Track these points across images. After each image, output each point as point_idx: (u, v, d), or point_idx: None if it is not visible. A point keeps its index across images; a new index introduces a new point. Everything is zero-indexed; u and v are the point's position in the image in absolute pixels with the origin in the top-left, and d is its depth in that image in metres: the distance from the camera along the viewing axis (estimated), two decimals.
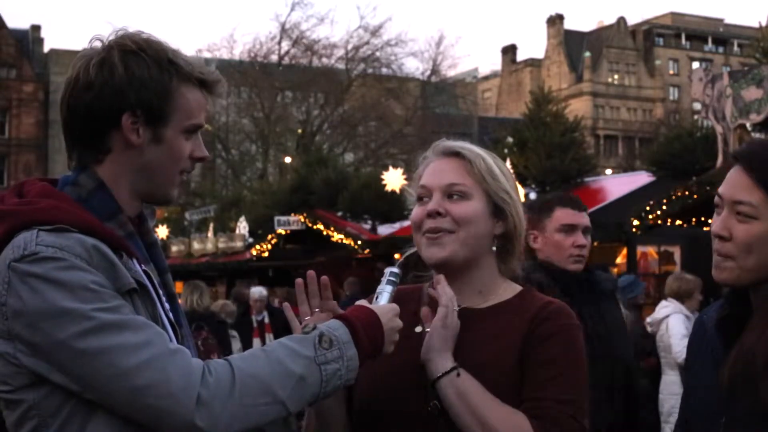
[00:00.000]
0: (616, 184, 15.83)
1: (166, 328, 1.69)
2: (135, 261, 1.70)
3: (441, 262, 1.97)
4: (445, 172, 2.00)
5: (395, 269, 1.93)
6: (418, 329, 1.98)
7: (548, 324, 1.91)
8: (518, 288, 2.04)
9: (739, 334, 1.76)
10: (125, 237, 1.71)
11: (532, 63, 72.35)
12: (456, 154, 2.01)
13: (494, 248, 2.02)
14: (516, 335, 1.91)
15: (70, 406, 1.57)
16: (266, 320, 11.45)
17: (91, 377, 1.53)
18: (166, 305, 1.76)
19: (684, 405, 1.98)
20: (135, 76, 1.69)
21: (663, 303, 7.83)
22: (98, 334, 1.53)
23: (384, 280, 1.91)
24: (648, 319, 8.42)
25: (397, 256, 2.10)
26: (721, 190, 1.81)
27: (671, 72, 70.31)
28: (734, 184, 1.77)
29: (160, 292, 1.75)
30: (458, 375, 1.83)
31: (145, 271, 1.72)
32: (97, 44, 1.73)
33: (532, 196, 14.81)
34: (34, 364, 1.55)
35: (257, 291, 11.69)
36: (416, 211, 2.01)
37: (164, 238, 27.95)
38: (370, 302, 1.88)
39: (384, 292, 1.88)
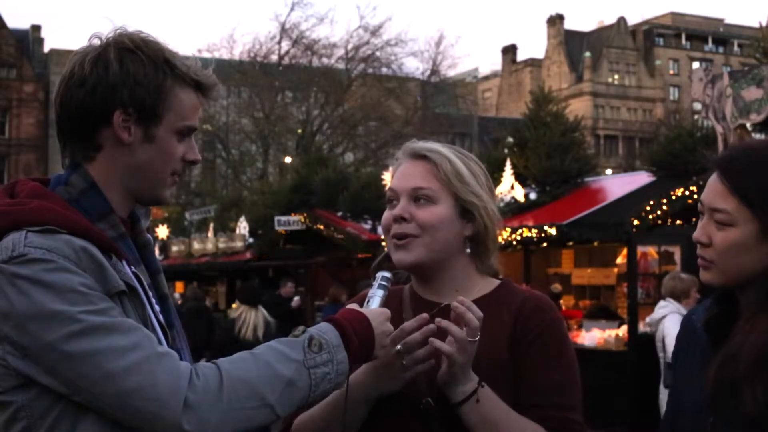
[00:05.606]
0: (616, 184, 15.77)
1: (156, 330, 1.68)
2: (124, 262, 1.68)
3: (408, 267, 1.99)
4: (412, 176, 1.99)
5: (387, 274, 1.92)
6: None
7: (535, 320, 1.91)
8: (496, 282, 2.04)
9: (727, 335, 1.77)
10: (116, 238, 1.70)
11: (532, 63, 72.38)
12: (423, 157, 2.00)
13: (468, 249, 2.01)
14: (503, 327, 1.92)
15: (60, 408, 1.56)
16: None
17: (78, 380, 1.52)
18: (156, 307, 1.75)
19: (672, 402, 1.99)
20: (129, 73, 1.68)
21: (661, 303, 7.83)
22: (86, 337, 1.51)
23: (375, 284, 1.90)
24: (647, 320, 8.40)
25: None
26: (702, 196, 1.83)
27: (671, 72, 70.34)
28: (711, 191, 1.80)
29: (150, 293, 1.74)
30: (482, 387, 1.81)
31: (134, 273, 1.70)
32: (96, 42, 1.72)
33: (533, 196, 14.78)
34: (23, 366, 1.54)
35: None
36: (385, 215, 2.02)
37: (164, 238, 27.95)
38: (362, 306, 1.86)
39: (375, 297, 1.88)
